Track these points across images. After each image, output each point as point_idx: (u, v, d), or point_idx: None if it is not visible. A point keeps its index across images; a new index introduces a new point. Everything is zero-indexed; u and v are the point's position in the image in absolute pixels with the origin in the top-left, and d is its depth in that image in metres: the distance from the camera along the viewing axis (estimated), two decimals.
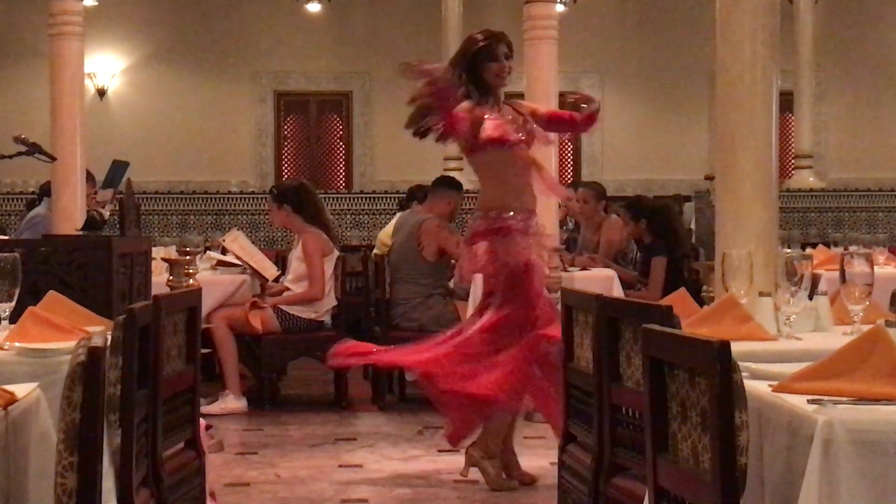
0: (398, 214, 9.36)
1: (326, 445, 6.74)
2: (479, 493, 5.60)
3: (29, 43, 14.67)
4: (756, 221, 5.30)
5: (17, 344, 3.53)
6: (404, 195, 10.58)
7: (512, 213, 5.57)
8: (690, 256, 9.16)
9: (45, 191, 8.32)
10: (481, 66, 5.65)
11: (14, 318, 3.78)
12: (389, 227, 9.10)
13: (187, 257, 6.60)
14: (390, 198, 14.00)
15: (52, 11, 7.73)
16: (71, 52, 7.71)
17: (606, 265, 8.68)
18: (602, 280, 8.00)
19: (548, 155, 7.76)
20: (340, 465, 6.19)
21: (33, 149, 5.75)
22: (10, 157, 5.85)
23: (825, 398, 2.58)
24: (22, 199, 12.69)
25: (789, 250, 4.49)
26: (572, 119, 5.77)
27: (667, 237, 8.58)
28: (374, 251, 9.30)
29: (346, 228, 13.84)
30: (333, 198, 14.06)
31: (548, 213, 7.74)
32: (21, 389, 2.86)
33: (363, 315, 8.97)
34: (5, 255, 3.77)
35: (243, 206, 13.86)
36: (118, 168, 8.02)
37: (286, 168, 16.45)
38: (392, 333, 7.77)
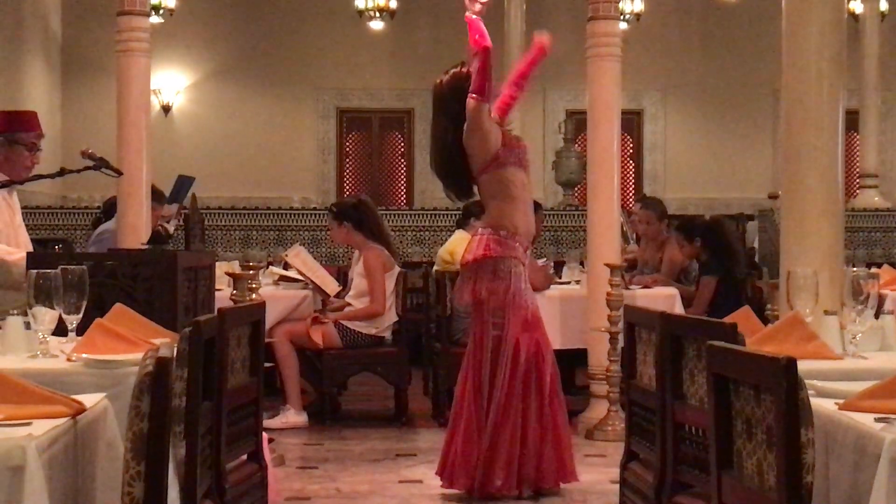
0: (459, 231, 9.35)
1: (387, 461, 6.75)
2: None
3: (96, 59, 14.87)
4: (822, 239, 5.27)
5: (84, 355, 3.57)
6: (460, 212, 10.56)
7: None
8: (751, 274, 9.08)
9: (110, 206, 8.39)
10: None
11: (81, 329, 3.83)
12: (449, 244, 9.10)
13: (250, 272, 6.63)
14: (451, 214, 14.00)
15: (119, 28, 7.81)
16: (138, 68, 7.79)
17: (667, 284, 8.63)
18: (664, 298, 7.96)
19: (610, 174, 7.75)
20: (401, 481, 6.20)
21: (100, 163, 5.80)
22: (78, 171, 5.90)
23: (892, 417, 2.56)
24: (88, 213, 12.83)
25: (855, 269, 4.45)
26: (532, 64, 6.21)
27: (721, 254, 8.52)
28: (435, 268, 9.31)
29: (407, 245, 13.85)
30: (394, 214, 14.09)
31: (609, 230, 7.73)
32: (89, 399, 2.90)
33: (423, 331, 8.97)
34: (73, 268, 3.82)
35: (305, 221, 13.91)
36: (184, 183, 8.10)
37: (348, 184, 16.53)
38: (453, 350, 7.76)
